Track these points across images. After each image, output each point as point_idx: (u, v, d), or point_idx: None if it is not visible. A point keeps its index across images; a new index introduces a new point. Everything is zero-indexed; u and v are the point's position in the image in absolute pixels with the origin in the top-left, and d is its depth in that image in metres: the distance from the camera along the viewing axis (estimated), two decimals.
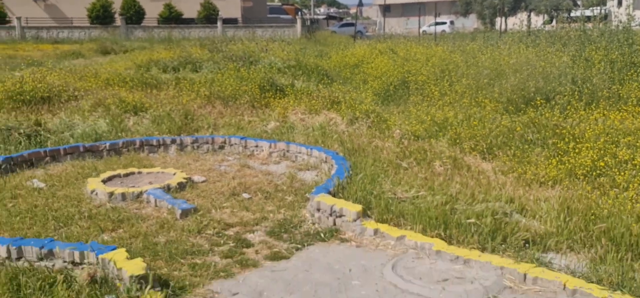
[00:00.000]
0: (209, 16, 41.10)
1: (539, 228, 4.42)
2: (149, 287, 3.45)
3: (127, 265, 3.60)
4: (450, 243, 4.22)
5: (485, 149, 6.96)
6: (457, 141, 7.37)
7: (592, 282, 3.56)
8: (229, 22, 41.98)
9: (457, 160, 6.52)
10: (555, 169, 5.89)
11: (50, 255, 3.90)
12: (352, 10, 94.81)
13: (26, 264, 3.90)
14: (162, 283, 3.68)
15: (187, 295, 3.65)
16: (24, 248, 3.97)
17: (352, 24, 52.28)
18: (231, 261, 4.21)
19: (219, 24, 40.06)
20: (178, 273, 3.96)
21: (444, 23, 53.02)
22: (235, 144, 7.74)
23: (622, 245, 3.97)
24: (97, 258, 3.77)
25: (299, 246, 4.49)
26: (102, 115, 8.96)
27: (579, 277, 3.65)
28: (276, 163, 7.18)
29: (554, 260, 4.04)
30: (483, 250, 4.12)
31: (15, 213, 5.18)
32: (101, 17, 39.53)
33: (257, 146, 7.62)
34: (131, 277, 3.48)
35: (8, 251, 3.97)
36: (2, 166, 6.50)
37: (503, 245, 4.17)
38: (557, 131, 6.92)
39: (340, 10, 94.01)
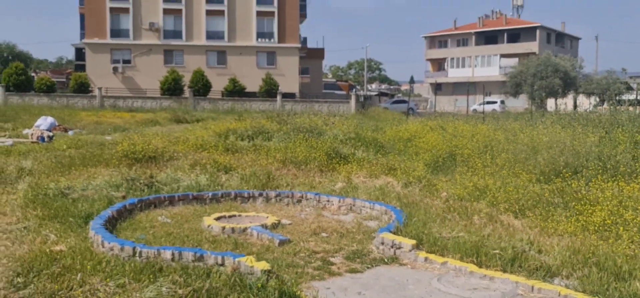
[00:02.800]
0: (269, 90, 44.15)
1: (549, 261, 5.93)
2: (274, 276, 5.19)
3: (256, 264, 5.38)
4: (480, 266, 5.80)
5: (517, 210, 8.49)
6: (494, 203, 8.92)
7: (579, 292, 5.07)
8: (287, 96, 44.90)
9: (492, 216, 8.08)
10: (572, 226, 7.37)
11: (201, 258, 5.72)
12: (403, 87, 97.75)
13: (180, 263, 5.73)
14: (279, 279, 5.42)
15: (297, 287, 5.37)
16: (183, 253, 5.82)
17: (404, 101, 54.55)
18: (321, 272, 5.92)
19: (279, 98, 42.99)
20: (287, 276, 5.69)
21: (495, 102, 54.37)
22: (311, 198, 9.54)
23: (608, 271, 5.45)
24: (235, 261, 5.56)
25: (369, 266, 6.16)
26: (201, 172, 11.00)
27: (570, 289, 5.16)
28: (344, 214, 8.91)
29: (556, 281, 5.55)
30: (504, 271, 5.68)
31: (158, 237, 7.08)
32: (172, 88, 43.15)
33: (328, 201, 9.39)
34: (262, 271, 5.24)
35: (172, 255, 5.82)
36: (137, 206, 8.52)
37: (519, 269, 5.71)
38: (578, 196, 8.40)
39: (392, 87, 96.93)
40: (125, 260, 5.80)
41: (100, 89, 42.89)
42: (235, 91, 44.17)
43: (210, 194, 9.47)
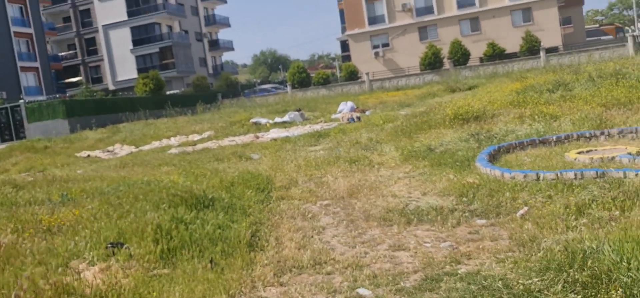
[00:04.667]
0: (531, 48, 42.99)
1: None
2: None
3: None
4: None
5: None
6: None
7: None
8: (549, 51, 43.07)
9: None
10: None
11: (602, 175, 6.94)
12: None
13: (583, 181, 7.02)
14: None
15: None
16: (585, 173, 7.11)
17: None
18: None
19: (542, 54, 41.56)
20: None
21: None
22: None
23: None
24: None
25: None
26: (531, 122, 12.19)
27: None
28: None
29: None
30: None
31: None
32: (432, 63, 45.15)
33: None
34: None
35: (575, 175, 7.16)
36: (498, 151, 10.11)
37: None
38: None
39: None
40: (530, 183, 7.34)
41: (367, 74, 47.15)
42: (495, 55, 44.11)
43: (554, 137, 10.61)
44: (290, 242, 6.30)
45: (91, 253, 5.89)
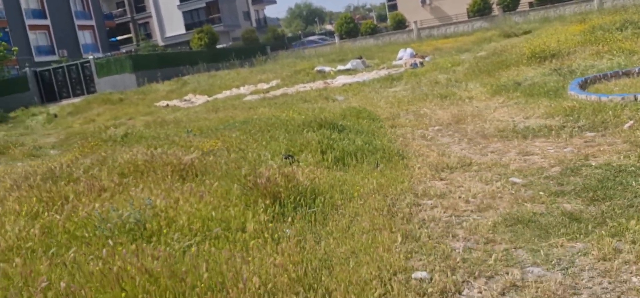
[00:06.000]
0: None
1: None
2: None
3: None
4: None
5: None
6: None
7: None
8: None
9: None
10: None
11: None
12: None
13: None
14: None
15: None
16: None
17: None
18: None
19: None
20: None
21: None
22: None
23: None
24: None
25: None
26: (610, 57, 13.01)
27: None
28: None
29: None
30: None
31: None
32: (481, 9, 45.08)
33: None
34: None
35: None
36: (588, 81, 11.06)
37: None
38: None
39: None
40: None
41: (415, 22, 47.43)
42: None
43: (636, 69, 11.46)
44: (431, 152, 7.55)
45: (273, 161, 7.26)
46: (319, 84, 22.34)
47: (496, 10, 44.84)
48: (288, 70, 28.98)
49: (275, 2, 77.77)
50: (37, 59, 46.59)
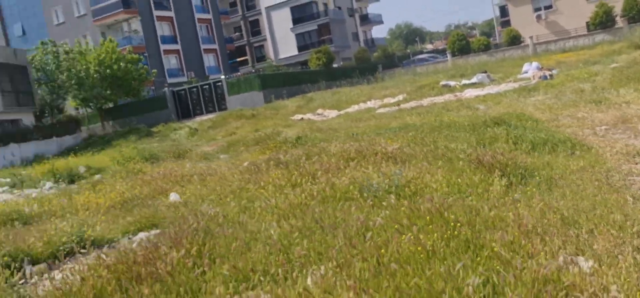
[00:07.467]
0: None
1: None
2: None
3: None
4: None
5: None
6: None
7: None
8: None
9: None
10: None
11: None
12: None
13: None
14: None
15: None
16: None
17: None
18: None
19: None
20: None
21: None
22: None
23: None
24: None
25: None
26: None
27: None
28: None
29: None
30: None
31: None
32: (604, 22, 43.63)
33: None
34: None
35: None
36: None
37: None
38: None
39: None
40: None
41: (531, 37, 46.78)
42: None
43: None
44: (615, 143, 8.30)
45: (466, 149, 8.36)
46: (449, 97, 23.16)
47: (620, 22, 43.23)
48: (410, 85, 30.04)
49: (382, 23, 79.38)
50: (169, 80, 51.19)
